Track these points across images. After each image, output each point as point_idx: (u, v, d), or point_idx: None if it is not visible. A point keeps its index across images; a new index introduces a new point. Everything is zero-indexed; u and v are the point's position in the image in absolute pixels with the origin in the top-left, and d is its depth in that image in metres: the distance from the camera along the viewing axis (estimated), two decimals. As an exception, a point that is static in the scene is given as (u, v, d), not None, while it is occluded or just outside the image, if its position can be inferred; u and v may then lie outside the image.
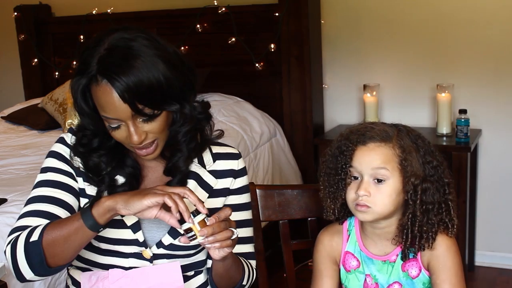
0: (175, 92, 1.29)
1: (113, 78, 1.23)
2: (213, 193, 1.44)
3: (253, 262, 1.52)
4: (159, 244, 1.39)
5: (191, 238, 1.21)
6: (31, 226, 1.29)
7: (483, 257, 3.25)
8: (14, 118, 3.52)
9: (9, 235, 1.31)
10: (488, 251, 3.25)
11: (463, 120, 2.91)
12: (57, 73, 3.94)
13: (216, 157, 1.46)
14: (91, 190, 1.39)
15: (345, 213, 1.39)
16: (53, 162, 1.40)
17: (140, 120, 1.28)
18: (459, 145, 2.89)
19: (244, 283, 1.45)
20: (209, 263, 1.46)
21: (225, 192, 1.46)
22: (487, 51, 3.10)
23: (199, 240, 1.21)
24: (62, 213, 1.34)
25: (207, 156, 1.45)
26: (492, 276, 3.16)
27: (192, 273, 1.46)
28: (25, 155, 2.88)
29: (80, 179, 1.40)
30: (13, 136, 3.29)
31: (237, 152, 1.50)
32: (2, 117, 3.58)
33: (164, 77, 1.26)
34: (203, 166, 1.44)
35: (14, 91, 4.22)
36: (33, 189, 1.39)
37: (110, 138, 1.35)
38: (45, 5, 4.03)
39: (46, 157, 1.42)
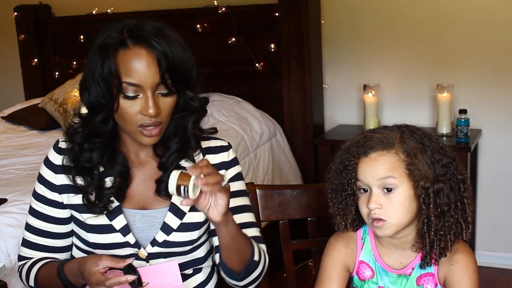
0: (192, 79, 1.33)
1: (152, 40, 1.26)
2: None
3: (263, 246, 1.46)
4: (154, 242, 1.39)
5: (184, 192, 1.19)
6: (31, 258, 1.46)
7: (483, 257, 3.24)
8: (14, 118, 3.51)
9: (18, 260, 1.49)
10: (488, 251, 3.25)
11: (463, 120, 2.91)
12: (57, 73, 3.94)
13: (205, 152, 1.45)
14: (78, 199, 1.40)
15: (358, 222, 1.35)
16: (40, 189, 1.45)
17: (158, 93, 1.29)
18: (459, 145, 2.89)
19: (256, 258, 1.37)
20: (216, 241, 1.40)
21: None
22: (487, 51, 3.10)
23: (191, 183, 1.17)
24: (56, 242, 1.46)
25: (196, 152, 1.44)
26: (492, 276, 3.16)
27: (190, 271, 1.45)
28: (25, 155, 2.87)
29: (64, 196, 1.42)
30: (13, 136, 3.28)
31: (226, 143, 1.49)
32: (2, 117, 3.58)
33: (190, 60, 1.31)
34: (193, 162, 1.42)
35: (14, 91, 4.22)
36: (29, 210, 1.47)
37: (108, 122, 1.34)
38: (45, 5, 4.03)
39: (37, 179, 1.46)
